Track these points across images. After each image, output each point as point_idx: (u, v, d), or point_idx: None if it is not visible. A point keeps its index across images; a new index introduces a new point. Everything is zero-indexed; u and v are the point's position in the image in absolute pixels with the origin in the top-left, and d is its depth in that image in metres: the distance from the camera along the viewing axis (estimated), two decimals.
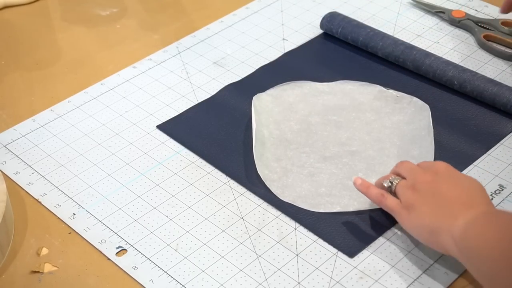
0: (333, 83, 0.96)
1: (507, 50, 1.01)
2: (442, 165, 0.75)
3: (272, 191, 0.82)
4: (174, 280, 0.74)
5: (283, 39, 1.05)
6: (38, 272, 0.75)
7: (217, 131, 0.90)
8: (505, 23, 1.04)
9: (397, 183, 0.75)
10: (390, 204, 0.75)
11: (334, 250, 0.76)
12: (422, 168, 0.75)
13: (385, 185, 0.76)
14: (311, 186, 0.82)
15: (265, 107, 0.92)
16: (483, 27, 1.04)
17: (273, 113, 0.91)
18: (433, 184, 0.72)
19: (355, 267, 0.75)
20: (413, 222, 0.72)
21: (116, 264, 0.76)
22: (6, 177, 0.85)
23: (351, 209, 0.80)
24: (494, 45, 1.01)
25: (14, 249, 0.77)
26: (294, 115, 0.91)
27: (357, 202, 0.80)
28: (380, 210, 0.79)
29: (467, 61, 1.00)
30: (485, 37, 1.02)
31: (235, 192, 0.83)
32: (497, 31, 1.03)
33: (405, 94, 0.93)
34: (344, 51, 1.02)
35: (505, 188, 0.82)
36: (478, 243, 0.65)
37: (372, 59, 1.01)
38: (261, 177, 0.83)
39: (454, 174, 0.74)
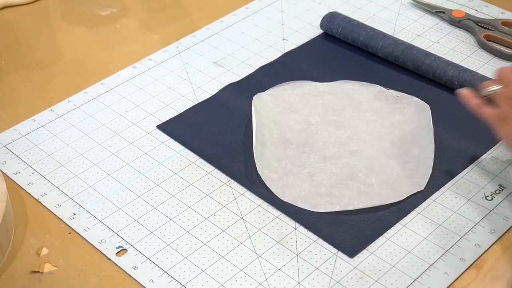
0: (333, 83, 0.96)
1: (507, 50, 1.01)
2: None
3: (272, 191, 0.82)
4: (174, 280, 0.74)
5: (283, 39, 1.05)
6: (38, 272, 0.75)
7: (217, 131, 0.90)
8: (505, 23, 1.04)
9: (497, 91, 0.79)
10: (487, 114, 0.79)
11: (334, 250, 0.76)
12: None
13: (484, 93, 0.80)
14: (311, 186, 0.82)
15: (265, 106, 0.92)
16: (483, 27, 1.04)
17: (273, 113, 0.91)
18: None
19: (355, 267, 0.75)
20: (505, 133, 0.77)
21: (116, 264, 0.76)
22: (6, 177, 0.85)
23: (351, 208, 0.80)
24: (494, 45, 1.01)
25: (14, 249, 0.77)
26: (294, 115, 0.91)
27: (357, 202, 0.80)
28: (380, 210, 0.80)
29: (467, 61, 1.00)
30: (485, 37, 1.02)
31: (235, 192, 0.83)
32: (497, 31, 1.03)
33: (405, 94, 0.93)
34: (344, 51, 1.02)
35: (505, 188, 0.82)
36: None
37: (372, 59, 1.01)
38: (261, 177, 0.83)
39: None
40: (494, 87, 0.79)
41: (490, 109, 0.79)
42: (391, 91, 0.94)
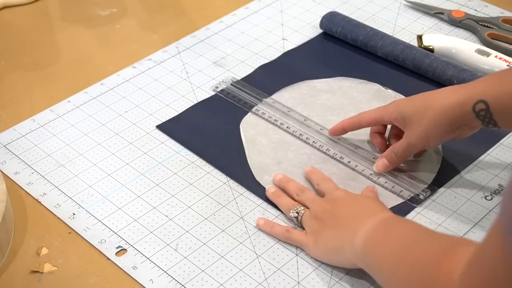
0: (331, 79, 0.96)
1: None
2: (340, 192, 0.77)
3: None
4: (174, 280, 0.74)
5: (283, 39, 1.05)
6: (38, 272, 0.75)
7: (216, 131, 0.90)
8: (505, 20, 1.04)
9: (302, 214, 0.77)
10: (296, 237, 0.76)
11: None
12: (322, 199, 0.77)
13: (292, 215, 0.77)
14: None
15: (259, 118, 0.91)
16: (484, 25, 1.04)
17: (272, 119, 0.91)
18: (333, 210, 0.75)
19: None
20: (320, 249, 0.74)
21: (116, 264, 0.76)
22: (6, 177, 0.85)
23: None
24: (499, 43, 1.01)
25: (14, 249, 0.77)
26: (293, 117, 0.91)
27: None
28: None
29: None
30: (489, 35, 1.02)
31: (235, 192, 0.83)
32: (499, 28, 1.03)
33: (403, 96, 0.93)
34: (343, 51, 1.02)
35: (505, 188, 0.82)
36: (378, 249, 0.67)
37: (372, 58, 1.01)
38: (261, 183, 0.83)
39: (351, 197, 0.77)
40: (300, 210, 0.77)
41: (298, 232, 0.76)
42: (389, 91, 0.94)
